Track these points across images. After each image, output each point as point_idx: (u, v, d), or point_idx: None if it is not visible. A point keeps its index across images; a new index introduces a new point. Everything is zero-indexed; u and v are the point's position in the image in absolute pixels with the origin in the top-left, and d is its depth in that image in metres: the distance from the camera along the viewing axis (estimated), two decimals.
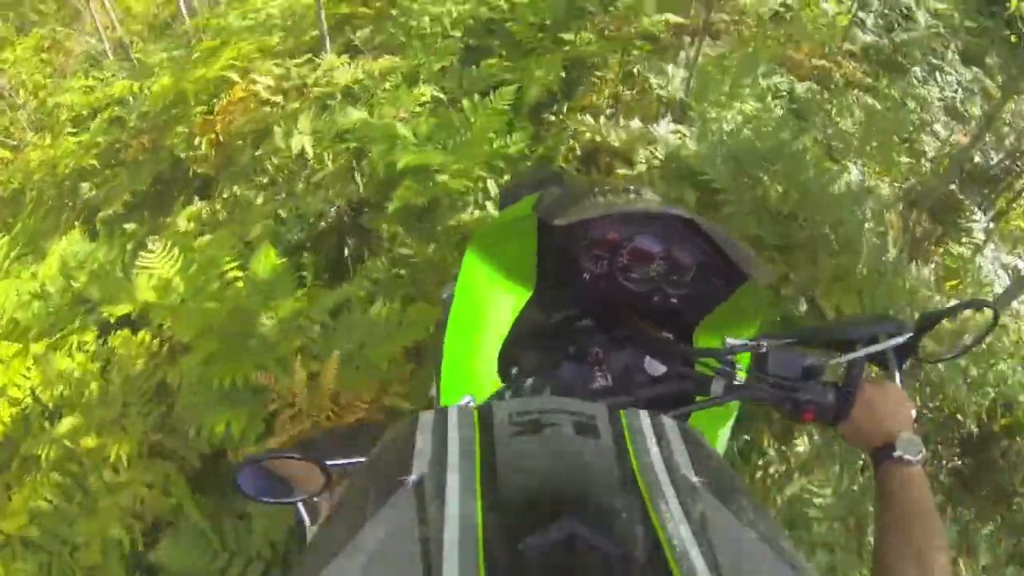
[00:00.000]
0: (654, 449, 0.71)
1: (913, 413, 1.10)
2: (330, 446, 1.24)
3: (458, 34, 4.18)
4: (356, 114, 3.66)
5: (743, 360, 1.16)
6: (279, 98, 4.15)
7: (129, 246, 3.79)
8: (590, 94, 3.92)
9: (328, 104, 3.93)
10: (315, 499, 1.05)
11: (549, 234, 1.34)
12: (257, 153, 3.89)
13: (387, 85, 3.95)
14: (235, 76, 4.32)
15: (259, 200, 3.74)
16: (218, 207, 3.90)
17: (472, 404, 0.97)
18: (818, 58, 4.31)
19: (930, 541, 0.93)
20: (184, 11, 5.42)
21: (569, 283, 1.38)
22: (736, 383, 1.14)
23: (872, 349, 1.11)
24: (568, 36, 3.96)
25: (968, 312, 1.32)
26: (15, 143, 5.14)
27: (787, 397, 1.10)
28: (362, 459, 0.93)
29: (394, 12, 4.47)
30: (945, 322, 1.19)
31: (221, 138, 4.10)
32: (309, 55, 4.31)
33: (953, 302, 1.38)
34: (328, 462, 0.96)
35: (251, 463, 1.00)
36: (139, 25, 6.04)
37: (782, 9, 4.58)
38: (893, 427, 1.06)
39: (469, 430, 0.72)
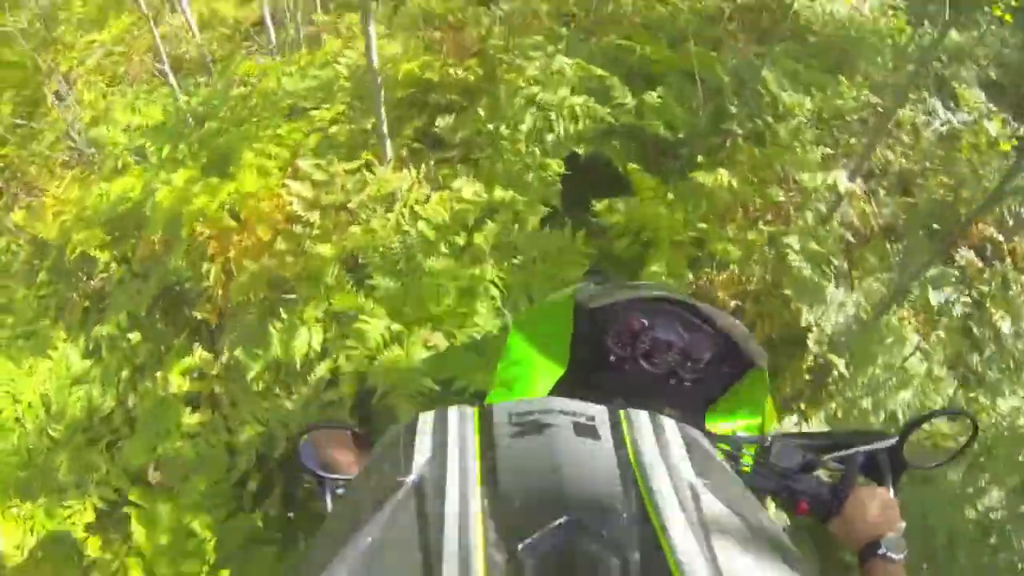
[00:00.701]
0: (654, 450, 0.71)
1: (902, 524, 1.14)
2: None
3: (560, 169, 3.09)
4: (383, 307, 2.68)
5: (750, 450, 1.27)
6: (314, 215, 3.07)
7: (125, 373, 3.31)
8: None
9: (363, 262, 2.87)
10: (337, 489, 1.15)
11: (584, 321, 1.46)
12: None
13: (444, 247, 2.77)
14: (271, 166, 3.25)
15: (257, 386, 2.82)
16: (215, 371, 2.98)
17: None
18: None
19: None
20: (270, 24, 4.29)
21: (598, 365, 1.48)
22: (742, 469, 1.24)
23: (862, 448, 1.24)
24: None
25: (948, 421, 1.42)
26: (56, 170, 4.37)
27: (785, 486, 1.21)
28: None
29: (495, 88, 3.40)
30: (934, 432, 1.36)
31: (233, 268, 3.10)
32: (366, 157, 3.20)
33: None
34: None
35: (312, 430, 1.16)
36: (223, 31, 5.00)
37: None
38: (880, 527, 1.12)
39: (469, 431, 0.73)
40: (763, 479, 1.23)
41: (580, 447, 0.71)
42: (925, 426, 1.23)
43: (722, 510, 0.65)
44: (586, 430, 0.74)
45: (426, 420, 0.77)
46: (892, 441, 1.22)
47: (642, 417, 0.78)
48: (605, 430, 0.75)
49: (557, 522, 0.57)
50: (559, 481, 0.64)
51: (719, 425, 1.47)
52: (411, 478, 0.67)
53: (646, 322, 1.44)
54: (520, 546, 0.55)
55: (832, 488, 1.19)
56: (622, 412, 0.79)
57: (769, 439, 1.26)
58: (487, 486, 0.64)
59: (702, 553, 0.56)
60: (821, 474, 1.24)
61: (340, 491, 1.16)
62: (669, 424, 0.78)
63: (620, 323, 1.45)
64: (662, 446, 0.73)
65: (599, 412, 0.78)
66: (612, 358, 1.47)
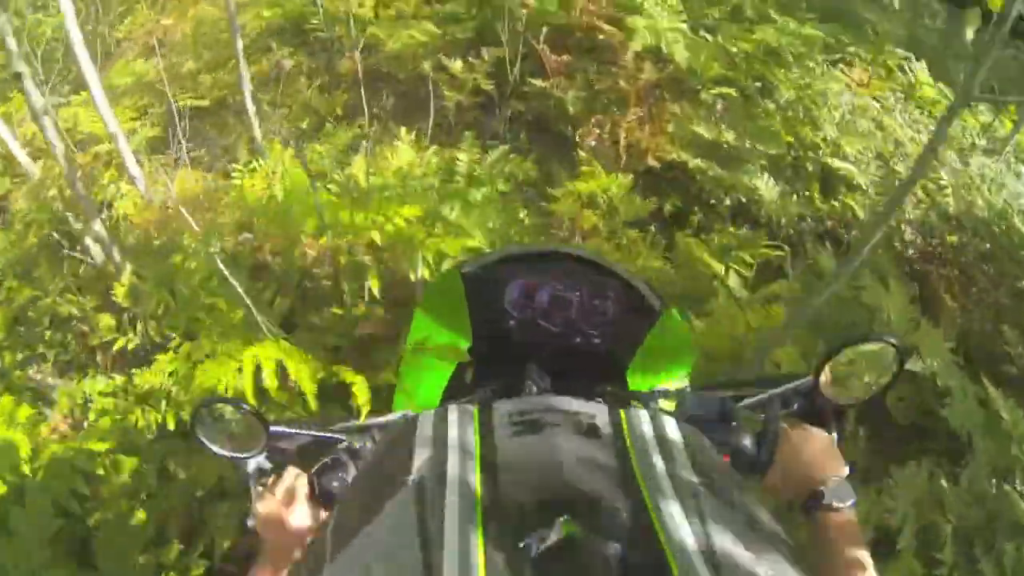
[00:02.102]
0: (654, 449, 0.71)
1: (845, 468, 1.04)
2: (280, 421, 1.16)
3: None
4: None
5: (669, 405, 1.16)
6: None
7: None
8: None
9: None
10: (253, 462, 1.15)
11: (479, 291, 1.47)
12: None
13: None
14: None
15: None
16: None
17: (410, 415, 1.00)
18: None
19: None
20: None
21: (501, 334, 1.44)
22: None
23: (777, 389, 1.15)
24: None
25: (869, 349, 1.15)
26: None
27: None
28: (308, 432, 1.12)
29: None
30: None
31: None
32: None
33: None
34: (272, 427, 1.06)
35: (207, 404, 1.08)
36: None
37: None
38: (820, 473, 1.02)
39: (469, 430, 0.74)
40: None
41: (580, 446, 0.71)
42: (849, 358, 1.10)
43: (722, 509, 0.65)
44: (586, 429, 0.74)
45: (426, 419, 0.78)
46: (807, 379, 1.12)
47: (642, 416, 0.78)
48: (605, 429, 0.75)
49: (557, 521, 0.56)
50: (559, 480, 0.65)
51: (642, 382, 1.42)
52: (411, 478, 0.67)
53: (538, 280, 1.44)
54: (520, 545, 0.55)
55: (756, 437, 1.10)
56: (622, 411, 0.79)
57: (686, 392, 1.20)
58: (487, 485, 0.64)
59: (702, 552, 0.56)
60: (746, 424, 1.13)
61: (260, 483, 1.15)
62: (670, 424, 0.78)
63: (513, 285, 1.44)
64: (662, 445, 0.73)
65: (599, 411, 0.78)
66: (512, 323, 1.45)
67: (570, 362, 1.41)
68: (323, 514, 1.10)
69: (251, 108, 4.16)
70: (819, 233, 3.74)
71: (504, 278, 1.45)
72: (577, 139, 4.04)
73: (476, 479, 0.65)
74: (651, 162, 3.70)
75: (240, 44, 3.94)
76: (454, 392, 1.45)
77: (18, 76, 3.37)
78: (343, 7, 4.97)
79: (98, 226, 3.45)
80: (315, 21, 5.18)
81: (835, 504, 0.99)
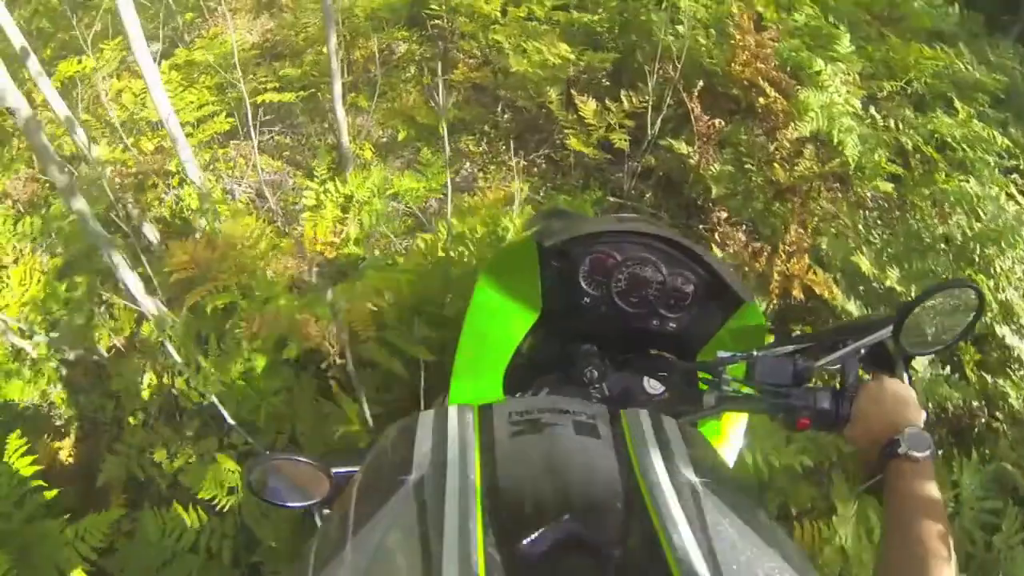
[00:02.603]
0: (654, 449, 0.71)
1: (922, 415, 1.03)
2: (343, 459, 1.08)
3: None
4: None
5: (738, 372, 1.15)
6: None
7: None
8: None
9: None
10: (323, 509, 1.07)
11: (554, 262, 1.38)
12: None
13: None
14: None
15: None
16: None
17: None
18: None
19: (931, 542, 0.88)
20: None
21: (573, 309, 1.40)
22: (727, 393, 1.14)
23: (855, 345, 1.11)
24: None
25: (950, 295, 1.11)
26: None
27: (779, 404, 1.09)
28: None
29: None
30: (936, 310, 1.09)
31: None
32: None
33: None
34: (335, 470, 1.01)
35: (262, 463, 1.03)
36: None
37: None
38: (898, 422, 1.00)
39: (469, 430, 0.73)
40: (754, 401, 1.14)
41: (580, 446, 0.72)
42: (930, 306, 1.08)
43: (722, 509, 0.64)
44: (586, 429, 0.74)
45: (426, 419, 0.77)
46: (888, 330, 1.08)
47: (642, 416, 0.78)
48: (605, 429, 0.75)
49: (557, 521, 0.57)
50: (559, 480, 0.65)
51: None
52: (411, 477, 0.67)
53: (619, 257, 1.35)
54: (520, 545, 0.55)
55: (833, 393, 1.08)
56: (623, 411, 0.79)
57: (754, 355, 1.14)
58: (487, 485, 0.64)
59: (702, 552, 0.56)
60: (818, 382, 1.14)
61: (326, 511, 1.09)
62: (670, 424, 0.78)
63: (591, 260, 1.37)
64: (662, 445, 0.73)
65: (599, 411, 0.78)
66: (586, 300, 1.39)
67: (640, 344, 1.42)
68: None
69: (340, 113, 3.58)
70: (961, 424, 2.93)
71: (583, 251, 1.36)
72: (713, 225, 3.35)
73: (476, 479, 0.65)
74: (794, 292, 2.96)
75: (333, 41, 3.34)
76: (515, 373, 1.38)
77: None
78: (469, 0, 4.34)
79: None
80: (435, 7, 4.57)
81: (912, 453, 0.97)
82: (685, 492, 0.65)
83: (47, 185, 4.40)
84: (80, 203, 2.60)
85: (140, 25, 2.92)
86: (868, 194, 3.62)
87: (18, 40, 3.18)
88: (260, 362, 3.02)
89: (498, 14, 4.33)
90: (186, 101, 3.88)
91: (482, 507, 0.61)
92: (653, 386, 1.35)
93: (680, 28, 3.90)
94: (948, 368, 2.85)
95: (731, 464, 1.38)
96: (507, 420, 0.76)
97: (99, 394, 3.33)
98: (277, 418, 3.01)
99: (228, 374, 2.94)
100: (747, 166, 3.44)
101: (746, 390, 1.14)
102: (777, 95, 3.50)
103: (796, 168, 3.32)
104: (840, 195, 3.60)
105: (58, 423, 3.42)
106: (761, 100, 3.54)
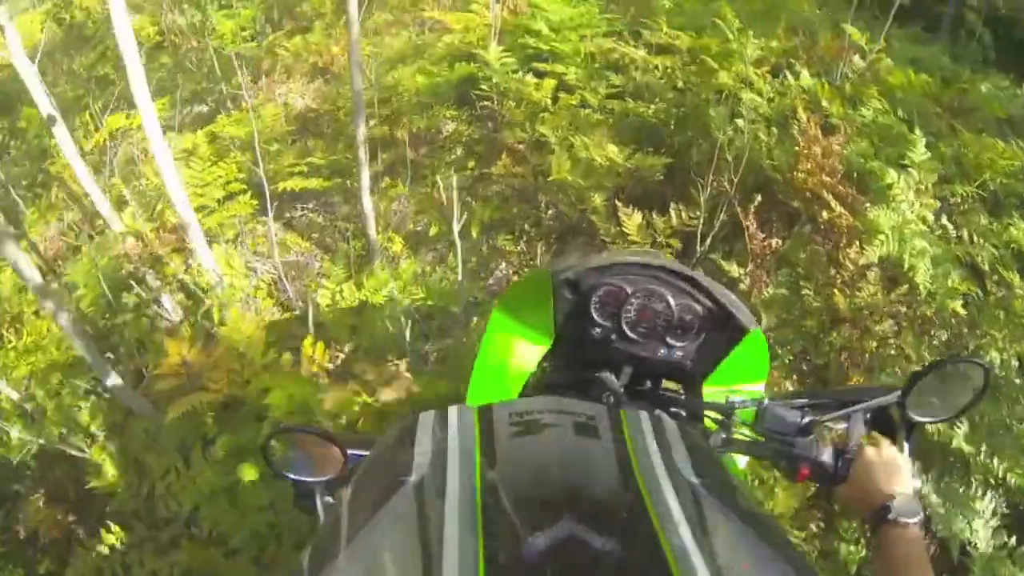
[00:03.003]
0: (654, 449, 0.71)
1: (916, 482, 1.08)
2: (360, 442, 1.12)
3: None
4: None
5: (747, 417, 1.20)
6: None
7: None
8: None
9: None
10: (327, 492, 1.09)
11: (567, 294, 1.43)
12: None
13: None
14: None
15: None
16: None
17: None
18: None
19: None
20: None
21: (584, 340, 1.44)
22: (735, 436, 1.19)
23: (862, 406, 1.16)
24: None
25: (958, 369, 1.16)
26: None
27: (783, 453, 1.14)
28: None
29: None
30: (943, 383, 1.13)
31: None
32: None
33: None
34: (351, 451, 1.04)
35: (280, 433, 1.09)
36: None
37: None
38: (890, 489, 1.04)
39: (469, 430, 0.73)
40: (759, 446, 1.18)
41: (580, 447, 0.72)
42: (939, 378, 1.11)
43: (722, 510, 0.65)
44: (586, 429, 0.74)
45: (426, 420, 0.77)
46: (895, 396, 1.13)
47: (642, 417, 0.78)
48: (605, 430, 0.75)
49: (557, 522, 0.56)
50: (559, 481, 0.65)
51: (722, 389, 1.41)
52: (411, 478, 0.67)
53: (629, 289, 1.41)
54: (520, 545, 0.55)
55: (835, 451, 1.13)
56: (623, 412, 0.79)
57: (765, 402, 1.18)
58: (487, 485, 0.63)
59: (702, 553, 0.56)
60: (824, 437, 1.18)
61: (328, 499, 1.10)
62: (670, 424, 0.78)
63: (602, 292, 1.42)
64: (662, 446, 0.72)
65: (599, 412, 0.78)
66: (597, 331, 1.43)
67: (648, 371, 1.47)
68: None
69: (367, 205, 3.37)
70: None
71: (594, 283, 1.42)
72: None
73: (476, 479, 0.65)
74: None
75: (362, 131, 3.15)
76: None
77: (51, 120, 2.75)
78: (518, 86, 4.12)
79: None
80: (484, 87, 4.37)
81: (901, 519, 0.99)
82: (685, 493, 0.65)
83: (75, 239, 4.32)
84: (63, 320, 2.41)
85: (150, 99, 2.78)
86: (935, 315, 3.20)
87: (46, 108, 3.09)
88: (248, 473, 2.78)
89: (548, 101, 4.11)
90: (214, 175, 3.73)
91: (482, 507, 0.60)
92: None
93: (740, 122, 3.61)
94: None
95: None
96: (507, 421, 0.75)
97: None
98: (259, 536, 2.77)
99: (208, 485, 2.71)
100: (804, 291, 3.08)
101: (752, 435, 1.19)
102: (843, 210, 3.13)
103: (858, 294, 2.96)
104: (903, 322, 3.19)
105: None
106: (824, 214, 3.17)
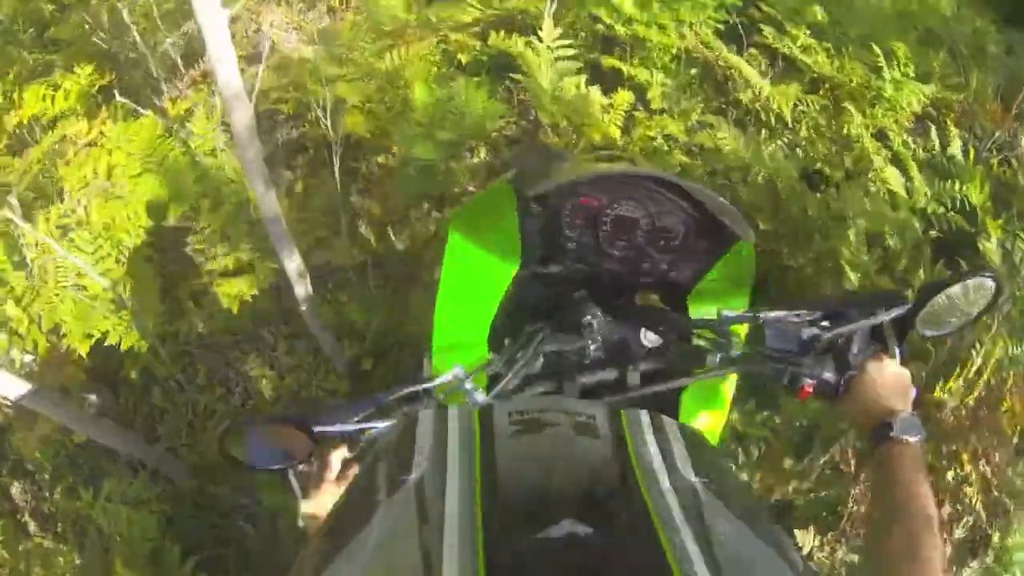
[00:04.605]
0: (653, 448, 0.71)
1: (914, 392, 1.08)
2: (328, 414, 1.08)
3: None
4: None
5: (740, 331, 1.17)
6: None
7: None
8: None
9: None
10: (302, 467, 1.08)
11: (531, 207, 1.33)
12: None
13: None
14: None
15: None
16: None
17: (462, 373, 1.12)
18: None
19: (923, 526, 0.90)
20: None
21: (555, 257, 1.37)
22: (733, 355, 1.14)
23: (870, 321, 1.10)
24: None
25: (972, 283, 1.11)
26: None
27: (785, 370, 1.09)
28: (351, 427, 1.05)
29: None
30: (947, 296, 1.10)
31: None
32: None
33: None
34: (316, 428, 1.00)
35: (235, 429, 1.03)
36: None
37: None
38: (892, 405, 1.04)
39: (469, 429, 0.73)
40: (759, 364, 1.13)
41: (580, 445, 0.72)
42: (951, 293, 1.09)
43: (723, 510, 0.65)
44: (586, 429, 0.75)
45: (426, 417, 0.78)
46: (907, 308, 1.09)
47: (642, 416, 0.78)
48: (605, 429, 0.75)
49: (557, 521, 0.56)
50: (559, 480, 0.65)
51: (704, 311, 1.36)
52: (411, 477, 0.67)
53: (604, 199, 1.29)
54: (520, 544, 0.55)
55: (837, 365, 1.09)
56: (622, 411, 0.79)
57: (761, 317, 1.12)
58: (487, 485, 0.64)
59: (702, 553, 0.56)
60: (826, 349, 1.12)
61: (301, 467, 1.09)
62: (669, 423, 0.79)
63: (574, 205, 1.30)
64: (662, 445, 0.73)
65: (599, 410, 0.79)
66: (571, 245, 1.34)
67: (629, 289, 1.41)
68: None
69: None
70: None
71: (563, 196, 1.30)
72: None
73: (476, 478, 0.65)
74: None
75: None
76: (501, 326, 1.34)
77: None
78: (576, 102, 2.81)
79: None
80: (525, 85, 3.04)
81: (903, 437, 0.99)
82: (685, 492, 0.65)
83: None
84: None
85: None
86: None
87: None
88: None
89: (616, 132, 2.82)
90: None
91: (482, 507, 0.60)
92: (650, 339, 1.31)
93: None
94: None
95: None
96: (507, 419, 0.75)
97: None
98: None
99: None
100: None
101: (750, 352, 1.13)
102: None
103: None
104: None
105: None
106: None
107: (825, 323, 1.13)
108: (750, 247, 1.35)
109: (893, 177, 2.49)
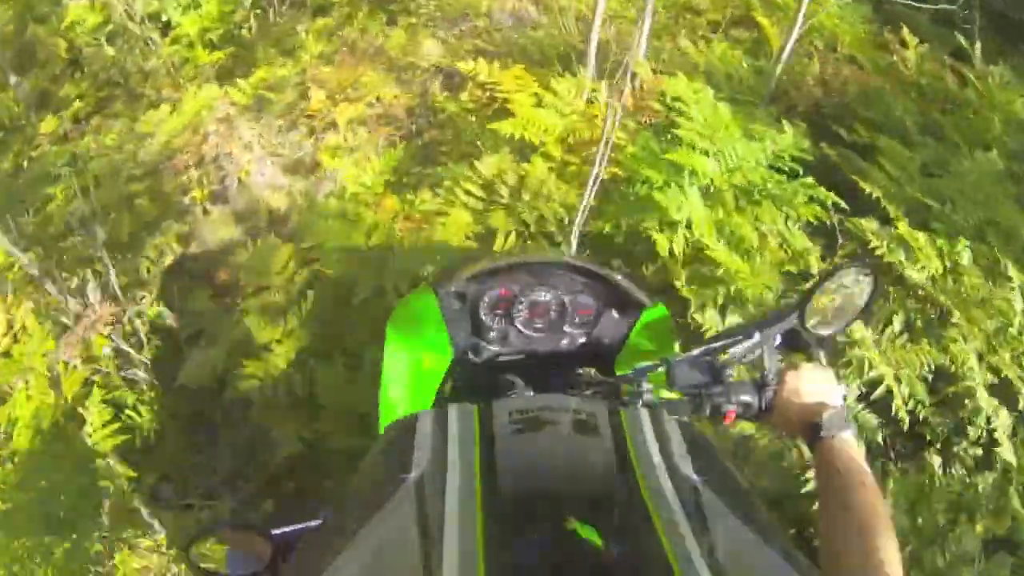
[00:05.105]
0: (654, 447, 0.72)
1: (841, 388, 1.09)
2: (287, 518, 1.09)
3: None
4: None
5: (660, 379, 1.17)
6: None
7: None
8: None
9: None
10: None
11: (453, 305, 1.41)
12: None
13: None
14: None
15: None
16: None
17: None
18: None
19: (868, 511, 0.89)
20: None
21: (480, 345, 1.42)
22: (652, 402, 1.14)
23: (763, 335, 1.11)
24: None
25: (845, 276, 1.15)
26: None
27: (702, 403, 1.11)
28: (313, 523, 1.01)
29: None
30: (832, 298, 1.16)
31: None
32: None
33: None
34: (275, 531, 1.00)
35: (202, 535, 1.03)
36: None
37: None
38: (817, 407, 1.05)
39: (469, 428, 0.74)
40: (678, 405, 1.13)
41: (580, 444, 0.73)
42: (829, 290, 1.12)
43: (722, 508, 0.65)
44: (586, 428, 0.75)
45: (426, 418, 0.77)
46: (793, 316, 1.11)
47: (642, 415, 0.79)
48: (605, 428, 0.75)
49: (557, 520, 0.57)
50: (559, 479, 0.67)
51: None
52: (411, 476, 0.67)
53: (516, 289, 1.40)
54: (520, 544, 0.56)
55: (755, 385, 1.11)
56: (621, 410, 0.79)
57: (670, 361, 1.13)
58: (487, 484, 0.64)
59: (702, 550, 0.56)
60: (737, 374, 1.14)
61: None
62: (670, 422, 0.79)
63: (490, 298, 1.40)
64: (662, 444, 0.73)
65: (599, 410, 0.79)
66: (493, 334, 1.42)
67: (556, 364, 1.44)
68: None
69: None
70: None
71: (480, 290, 1.40)
72: None
73: (476, 477, 0.65)
74: None
75: None
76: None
77: None
78: None
79: None
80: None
81: (832, 433, 1.00)
82: (685, 490, 0.65)
83: None
84: None
85: None
86: None
87: None
88: None
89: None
90: None
91: (482, 505, 0.60)
92: None
93: None
94: None
95: None
96: (507, 419, 0.75)
97: None
98: None
99: None
100: None
101: (668, 395, 1.15)
102: None
103: None
104: None
105: None
106: None
107: (730, 351, 1.13)
108: (662, 311, 1.44)
109: None
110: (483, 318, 1.40)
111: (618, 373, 1.42)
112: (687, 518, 0.60)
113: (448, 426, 0.74)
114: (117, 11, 3.91)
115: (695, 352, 1.15)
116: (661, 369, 1.15)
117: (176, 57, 4.00)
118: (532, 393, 1.31)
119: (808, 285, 1.12)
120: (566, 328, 1.42)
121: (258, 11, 4.25)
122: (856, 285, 1.13)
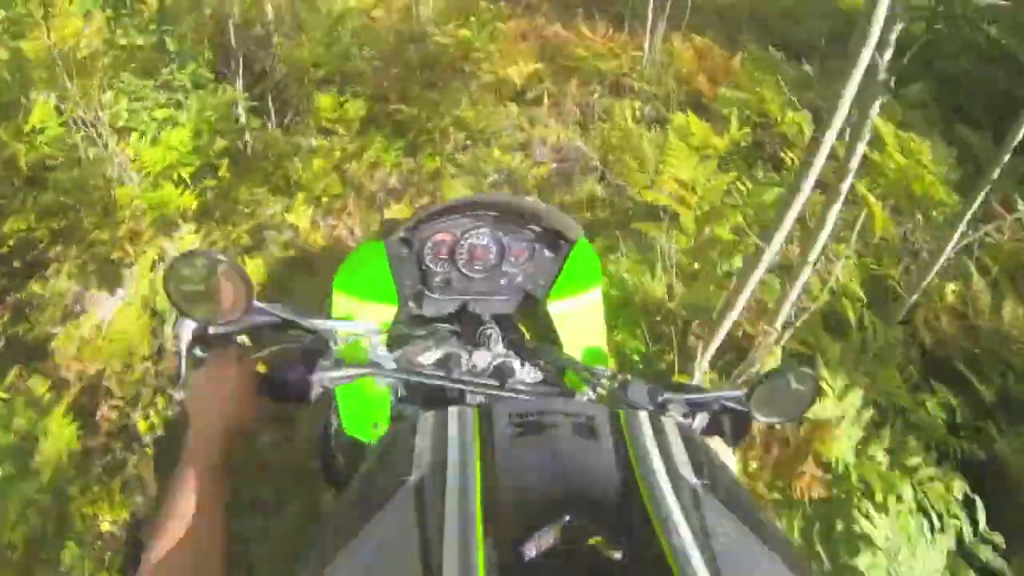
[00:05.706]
0: (654, 450, 0.72)
1: (733, 467, 1.13)
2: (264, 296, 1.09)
3: None
4: None
5: (608, 384, 1.28)
6: None
7: None
8: None
9: None
10: (197, 351, 1.04)
11: (398, 254, 1.48)
12: None
13: None
14: None
15: None
16: None
17: (375, 328, 1.23)
18: None
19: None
20: None
21: (427, 290, 1.53)
22: (598, 398, 1.27)
23: (712, 396, 1.20)
24: None
25: (792, 375, 1.18)
26: None
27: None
28: (289, 317, 1.06)
29: None
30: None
31: None
32: None
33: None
34: (258, 303, 0.98)
35: (184, 256, 0.96)
36: None
37: None
38: None
39: (469, 430, 0.74)
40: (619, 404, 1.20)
41: (580, 447, 0.72)
42: (776, 384, 1.14)
43: (722, 511, 0.65)
44: (586, 430, 0.75)
45: (426, 420, 0.78)
46: (739, 394, 1.18)
47: (642, 417, 0.78)
48: (604, 430, 0.75)
49: (557, 522, 0.56)
50: (559, 481, 0.65)
51: (564, 302, 1.55)
52: (411, 478, 0.67)
53: (457, 233, 1.47)
54: (520, 546, 0.54)
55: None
56: (621, 412, 0.79)
57: (628, 377, 1.23)
58: (487, 486, 0.64)
59: (702, 554, 0.56)
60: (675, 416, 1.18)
61: (196, 351, 1.05)
62: (670, 425, 0.78)
63: (433, 242, 1.47)
64: (662, 446, 0.73)
65: (599, 412, 0.79)
66: (437, 279, 1.50)
67: (496, 303, 1.58)
68: (267, 408, 1.05)
69: None
70: None
71: (423, 237, 1.47)
72: None
73: (476, 479, 0.65)
74: None
75: None
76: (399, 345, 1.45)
77: None
78: None
79: None
80: None
81: None
82: (685, 493, 0.65)
83: None
84: None
85: None
86: None
87: None
88: None
89: None
90: None
91: (482, 508, 0.60)
92: (532, 374, 1.45)
93: None
94: None
95: None
96: (507, 421, 0.75)
97: None
98: None
99: None
100: None
101: (612, 401, 1.23)
102: None
103: None
104: None
105: None
106: None
107: (681, 395, 1.20)
108: (589, 248, 1.58)
109: None
110: (428, 264, 1.49)
111: (553, 303, 1.55)
112: (687, 521, 0.60)
113: (448, 428, 0.74)
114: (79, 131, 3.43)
115: (652, 383, 1.23)
116: (618, 381, 1.23)
117: (140, 200, 3.43)
118: (496, 336, 1.47)
119: (762, 374, 1.15)
120: (504, 268, 1.51)
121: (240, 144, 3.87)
122: (799, 385, 1.17)
